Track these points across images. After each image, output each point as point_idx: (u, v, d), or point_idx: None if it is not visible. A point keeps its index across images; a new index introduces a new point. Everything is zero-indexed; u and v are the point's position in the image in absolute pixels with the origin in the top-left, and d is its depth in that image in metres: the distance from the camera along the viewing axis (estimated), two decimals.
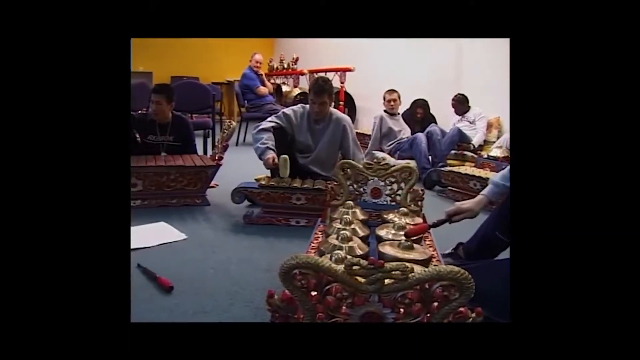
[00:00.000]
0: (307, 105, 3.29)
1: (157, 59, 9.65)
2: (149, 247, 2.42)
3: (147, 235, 2.58)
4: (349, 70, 6.08)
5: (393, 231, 1.75)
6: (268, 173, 3.06)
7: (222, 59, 10.24)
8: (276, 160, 2.91)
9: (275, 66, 8.54)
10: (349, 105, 7.07)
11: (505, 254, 2.00)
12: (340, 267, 1.16)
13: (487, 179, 2.94)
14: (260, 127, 3.16)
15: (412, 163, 3.87)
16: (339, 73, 6.18)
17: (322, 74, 4.82)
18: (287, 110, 3.30)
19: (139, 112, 4.24)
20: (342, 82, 6.13)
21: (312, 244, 1.84)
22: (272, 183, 2.85)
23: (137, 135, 3.58)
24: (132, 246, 2.37)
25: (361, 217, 1.96)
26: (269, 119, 3.27)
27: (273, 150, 2.99)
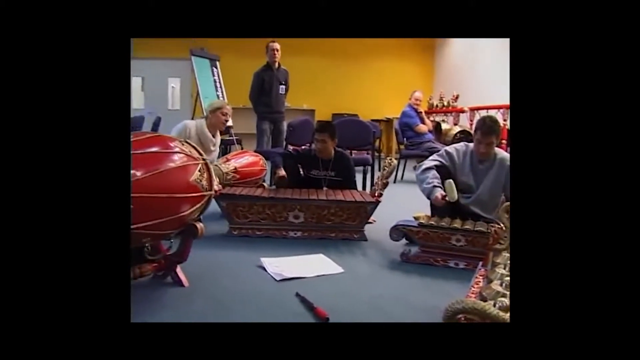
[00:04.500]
0: (471, 144, 3.20)
1: (319, 96, 10.13)
2: (307, 278, 2.49)
3: (306, 265, 2.67)
4: None
5: None
6: (427, 212, 3.02)
7: (381, 97, 10.44)
8: (444, 193, 2.87)
9: (435, 104, 8.52)
10: None
11: None
12: (507, 316, 1.10)
13: None
14: (425, 166, 3.13)
15: None
16: (501, 110, 5.97)
17: (489, 113, 4.69)
18: (450, 149, 3.24)
19: (303, 147, 4.46)
20: (504, 120, 5.91)
21: (473, 289, 1.77)
22: (432, 222, 2.80)
23: (301, 169, 3.76)
24: (292, 275, 2.47)
25: None
26: (431, 157, 3.23)
27: (440, 187, 2.95)
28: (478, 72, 8.44)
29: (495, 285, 1.53)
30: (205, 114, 3.82)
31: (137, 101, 10.69)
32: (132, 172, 1.86)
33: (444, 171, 3.11)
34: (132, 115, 7.87)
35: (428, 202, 3.20)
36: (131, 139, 2.03)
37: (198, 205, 2.14)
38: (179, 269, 2.32)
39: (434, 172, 3.05)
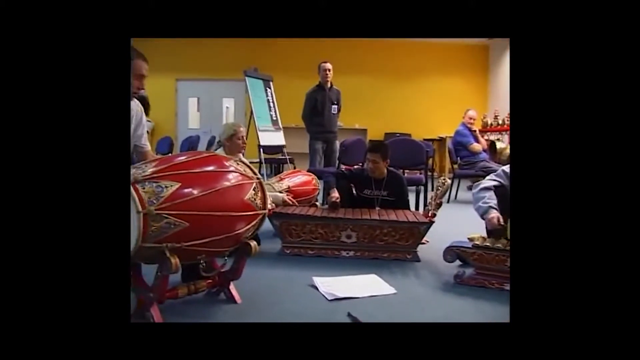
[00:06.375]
0: None
1: (371, 116, 10.15)
2: (359, 298, 2.47)
3: (358, 285, 2.65)
4: None
5: None
6: (482, 233, 2.95)
7: (434, 116, 10.36)
8: (501, 220, 2.78)
9: (489, 122, 8.37)
10: None
11: None
12: None
13: None
14: (482, 185, 3.05)
15: None
16: None
17: None
18: (507, 169, 3.16)
19: (356, 167, 4.46)
20: None
21: None
22: (487, 244, 2.73)
23: (354, 189, 3.76)
24: (344, 295, 2.46)
25: None
26: (489, 177, 3.15)
27: (496, 209, 2.86)
28: None
29: None
30: (220, 143, 3.65)
31: (193, 121, 11.00)
32: (188, 190, 1.90)
33: (502, 192, 3.03)
34: (188, 135, 8.11)
35: (483, 222, 3.13)
36: (188, 159, 2.10)
37: (252, 224, 2.17)
38: (232, 286, 2.35)
39: (491, 193, 2.96)
